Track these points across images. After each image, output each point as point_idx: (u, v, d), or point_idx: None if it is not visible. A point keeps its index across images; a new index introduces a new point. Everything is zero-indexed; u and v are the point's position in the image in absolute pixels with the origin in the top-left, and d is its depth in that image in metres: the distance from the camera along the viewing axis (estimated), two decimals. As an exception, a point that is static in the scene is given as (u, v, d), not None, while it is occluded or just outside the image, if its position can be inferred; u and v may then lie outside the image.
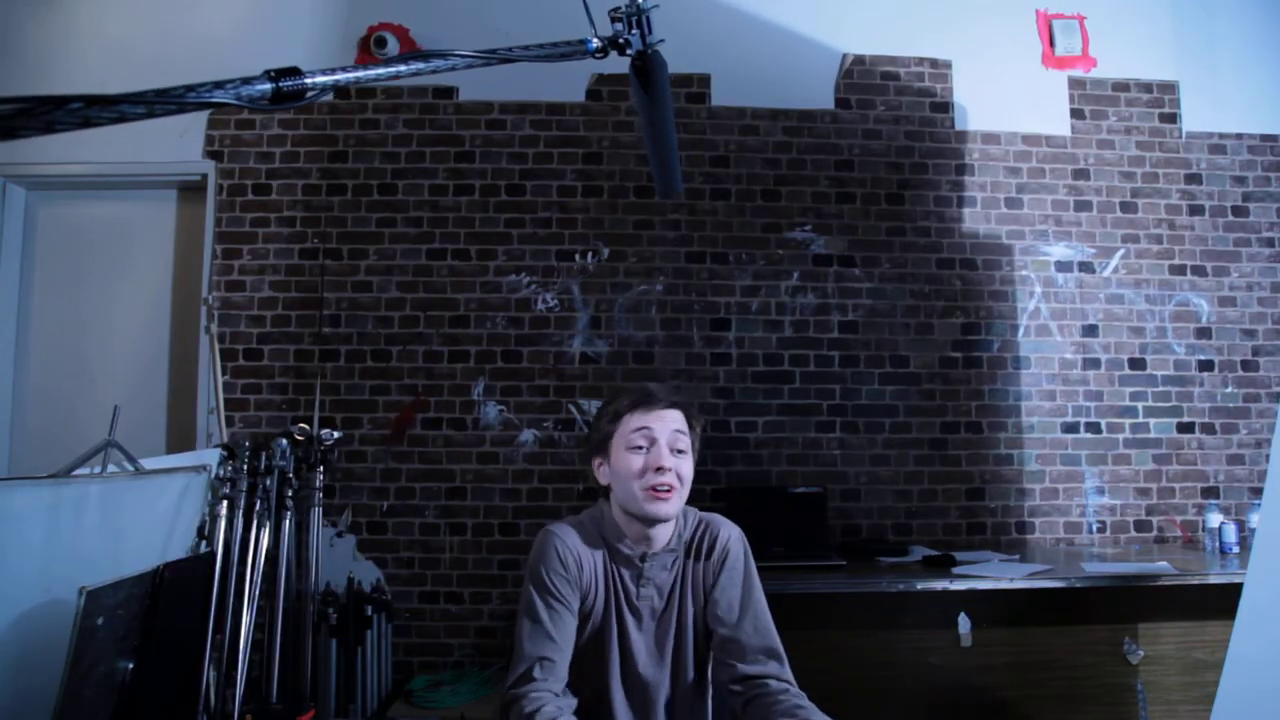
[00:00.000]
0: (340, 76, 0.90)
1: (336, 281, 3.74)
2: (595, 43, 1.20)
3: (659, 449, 1.68)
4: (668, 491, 1.67)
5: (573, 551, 1.70)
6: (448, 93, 3.84)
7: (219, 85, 0.80)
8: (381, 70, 0.96)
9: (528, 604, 1.67)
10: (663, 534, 1.74)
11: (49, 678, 1.77)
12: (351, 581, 3.50)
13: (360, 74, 0.94)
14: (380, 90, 3.83)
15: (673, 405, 1.74)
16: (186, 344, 3.79)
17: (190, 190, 3.86)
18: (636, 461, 1.68)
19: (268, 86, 0.83)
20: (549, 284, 3.78)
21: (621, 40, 1.28)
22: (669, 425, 1.71)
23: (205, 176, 3.76)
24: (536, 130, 3.85)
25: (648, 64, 1.39)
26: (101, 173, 3.78)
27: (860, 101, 3.95)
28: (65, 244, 3.87)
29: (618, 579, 1.74)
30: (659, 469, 1.66)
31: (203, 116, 3.77)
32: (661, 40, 1.37)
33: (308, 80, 0.86)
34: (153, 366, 3.81)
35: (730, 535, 1.83)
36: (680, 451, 1.71)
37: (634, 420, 1.71)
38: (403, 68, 0.99)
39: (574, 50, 1.17)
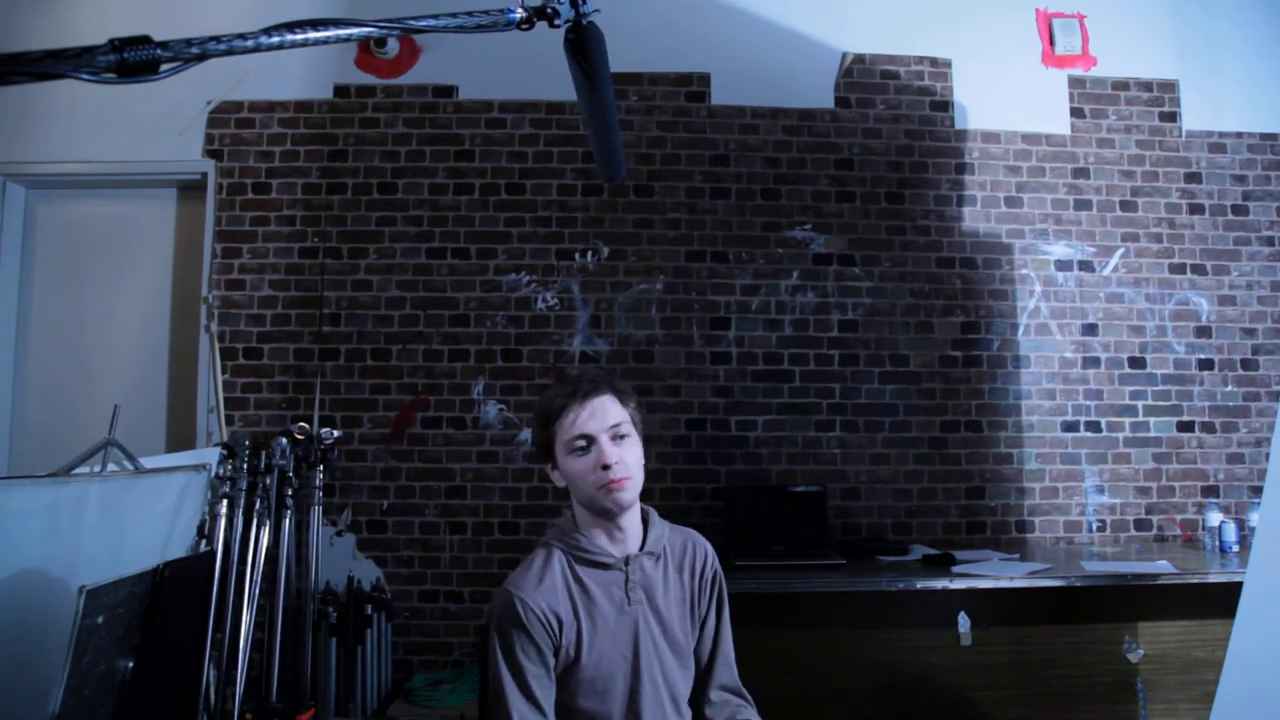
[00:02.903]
0: (208, 47, 0.80)
1: (336, 280, 3.74)
2: (518, 13, 1.07)
3: (600, 445, 1.63)
4: (622, 481, 1.63)
5: (538, 608, 1.61)
6: (447, 91, 3.84)
7: (54, 55, 0.71)
8: (267, 39, 0.85)
9: (499, 676, 1.59)
10: (633, 527, 1.71)
11: (49, 676, 1.77)
12: (351, 580, 3.51)
13: (236, 44, 0.84)
14: (380, 89, 3.83)
15: (599, 393, 1.67)
16: (186, 343, 3.79)
17: (190, 189, 3.86)
18: (583, 464, 1.64)
19: (112, 57, 0.74)
20: (549, 283, 3.78)
21: (550, 9, 1.14)
22: (603, 419, 1.65)
23: (205, 175, 3.76)
24: (536, 129, 3.84)
25: (581, 37, 1.24)
26: (101, 171, 3.78)
27: (860, 100, 3.95)
28: (65, 243, 3.87)
29: (603, 598, 1.67)
30: (605, 466, 1.62)
31: (203, 115, 3.78)
32: (597, 10, 1.21)
33: (159, 51, 0.76)
34: (153, 365, 3.81)
35: (714, 557, 1.84)
36: (622, 437, 1.66)
37: (567, 422, 1.65)
38: (290, 36, 0.87)
39: (493, 21, 1.05)
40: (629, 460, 1.65)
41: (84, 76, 0.73)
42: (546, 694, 1.61)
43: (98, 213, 3.90)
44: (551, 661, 1.63)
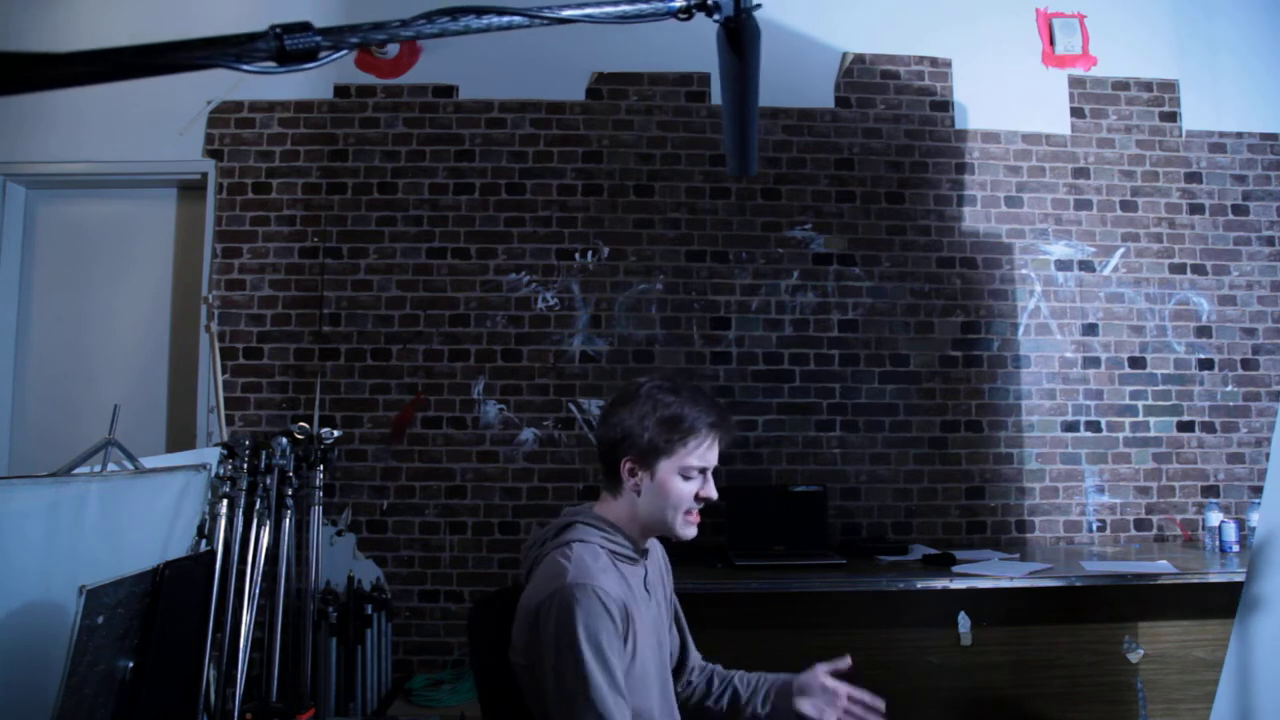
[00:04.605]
0: (368, 36, 0.79)
1: (336, 280, 3.74)
2: (679, 2, 1.06)
3: (708, 479, 1.66)
4: (698, 515, 1.68)
5: (617, 600, 1.53)
6: (447, 91, 3.84)
7: (212, 44, 0.71)
8: (428, 26, 0.84)
9: (591, 682, 1.44)
10: None
11: (49, 676, 1.77)
12: (351, 580, 3.51)
13: (397, 31, 0.82)
14: (380, 89, 3.83)
15: (732, 429, 1.71)
16: (187, 342, 3.79)
17: (190, 189, 3.86)
18: (688, 490, 1.64)
19: (273, 44, 0.73)
20: (549, 283, 3.78)
21: (711, 2, 1.12)
22: (716, 456, 1.68)
23: (205, 175, 3.76)
24: (536, 129, 3.84)
25: (741, 28, 1.20)
26: (102, 171, 3.78)
27: (860, 100, 3.95)
28: (65, 243, 3.87)
29: (639, 591, 1.67)
30: (706, 500, 1.66)
31: (203, 115, 3.78)
32: (758, 5, 1.18)
33: (319, 39, 0.75)
34: (153, 365, 3.81)
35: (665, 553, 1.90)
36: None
37: (700, 448, 1.64)
38: (449, 24, 0.86)
39: (654, 10, 1.03)
40: None
41: (243, 67, 0.73)
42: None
43: (98, 213, 3.90)
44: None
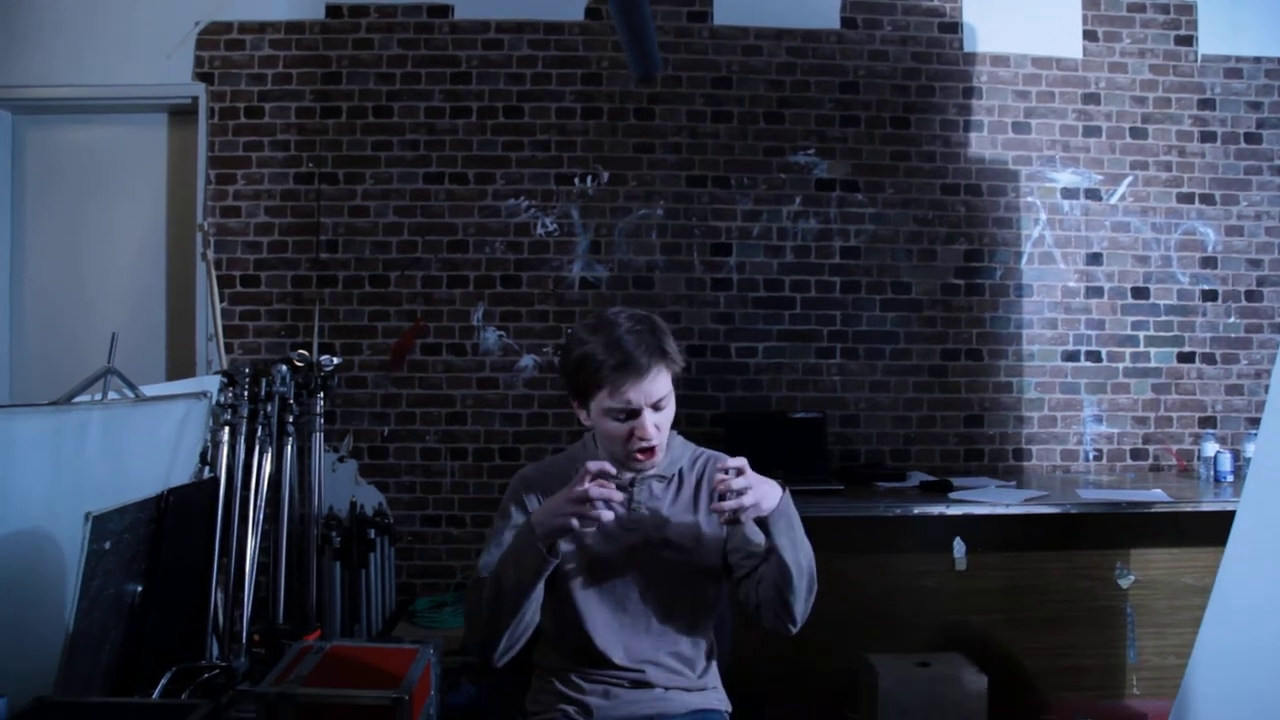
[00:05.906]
0: None
1: (333, 206, 3.70)
2: None
3: (642, 419, 1.58)
4: (650, 449, 1.61)
5: (536, 490, 1.71)
6: (443, 11, 3.73)
7: None
8: None
9: (494, 531, 1.76)
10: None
11: (56, 602, 1.80)
12: (354, 505, 3.55)
13: None
14: (374, 9, 3.71)
15: (654, 366, 1.57)
16: (183, 270, 3.75)
17: (181, 114, 3.77)
18: (619, 430, 1.60)
19: None
20: (548, 208, 3.74)
21: None
22: (651, 392, 1.57)
23: (196, 100, 3.68)
24: (534, 50, 3.75)
25: None
26: (88, 96, 3.69)
27: (866, 21, 3.84)
28: (56, 168, 3.80)
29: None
30: (642, 437, 1.59)
31: (191, 36, 3.67)
32: None
33: None
34: (150, 293, 3.79)
35: None
36: (661, 405, 1.61)
37: (615, 394, 1.56)
38: None
39: None
40: (664, 427, 1.63)
41: None
42: None
43: (87, 138, 3.82)
44: None
